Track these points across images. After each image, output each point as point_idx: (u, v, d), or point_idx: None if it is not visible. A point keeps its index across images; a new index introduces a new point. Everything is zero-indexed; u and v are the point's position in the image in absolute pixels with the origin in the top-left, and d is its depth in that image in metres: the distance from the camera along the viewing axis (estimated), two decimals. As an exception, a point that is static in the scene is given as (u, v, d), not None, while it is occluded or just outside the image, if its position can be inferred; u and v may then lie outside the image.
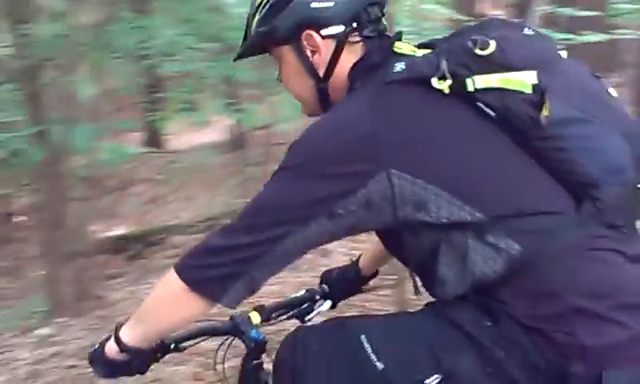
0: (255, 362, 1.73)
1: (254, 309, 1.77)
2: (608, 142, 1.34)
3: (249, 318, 1.74)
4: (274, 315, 1.85)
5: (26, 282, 6.36)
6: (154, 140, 10.18)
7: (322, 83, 1.54)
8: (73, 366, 4.11)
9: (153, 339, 1.60)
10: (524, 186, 1.36)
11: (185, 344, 1.76)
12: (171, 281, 1.46)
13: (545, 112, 1.31)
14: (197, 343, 1.77)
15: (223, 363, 1.82)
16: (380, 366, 1.37)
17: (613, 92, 1.46)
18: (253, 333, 1.71)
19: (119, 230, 6.58)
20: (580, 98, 1.37)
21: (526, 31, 1.46)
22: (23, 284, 6.30)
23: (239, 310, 1.61)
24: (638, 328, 1.27)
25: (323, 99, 1.56)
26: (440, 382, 1.33)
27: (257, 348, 1.72)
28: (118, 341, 1.56)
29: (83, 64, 5.36)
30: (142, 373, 1.65)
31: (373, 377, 1.38)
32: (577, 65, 1.46)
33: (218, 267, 1.40)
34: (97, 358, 1.62)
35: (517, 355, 1.30)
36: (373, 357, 1.39)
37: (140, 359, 1.60)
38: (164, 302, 1.53)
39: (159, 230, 6.15)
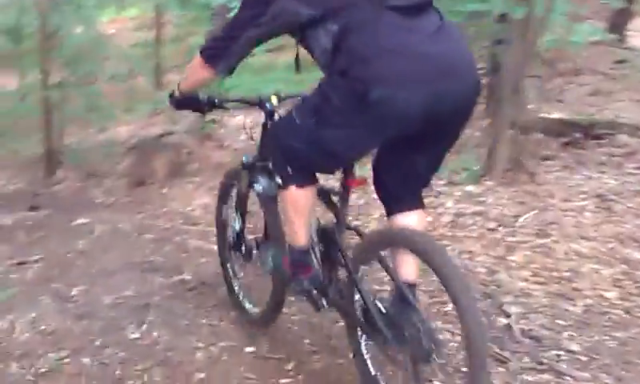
0: (269, 122, 2.80)
1: (274, 94, 2.83)
2: None
3: (270, 97, 2.81)
4: (284, 100, 2.85)
5: (464, 139, 6.65)
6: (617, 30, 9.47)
7: None
8: (492, 229, 4.22)
9: (191, 90, 2.72)
10: None
11: (226, 105, 2.93)
12: (197, 56, 2.52)
13: None
14: (235, 107, 3.16)
15: (251, 129, 3.13)
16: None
17: None
18: (269, 106, 2.80)
19: (561, 115, 6.37)
20: None
21: None
22: (461, 140, 6.61)
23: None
24: (401, 74, 2.08)
25: None
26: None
27: (271, 116, 2.80)
28: (180, 89, 2.74)
29: None
30: (202, 112, 2.89)
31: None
32: None
33: (214, 50, 2.46)
34: (171, 97, 2.78)
35: (339, 88, 2.18)
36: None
37: (195, 103, 2.80)
38: (193, 67, 2.60)
39: (605, 124, 5.78)
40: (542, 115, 5.64)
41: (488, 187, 4.91)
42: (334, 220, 2.64)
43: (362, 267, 2.52)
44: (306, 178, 2.44)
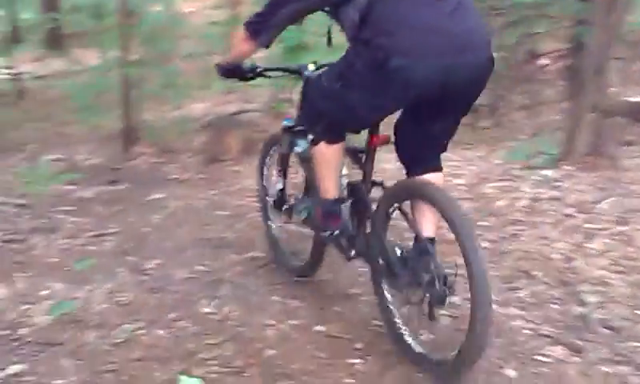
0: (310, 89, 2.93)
1: (312, 62, 3.04)
2: None
3: (307, 64, 3.03)
4: (321, 67, 2.94)
5: (542, 122, 6.49)
6: None
7: None
8: (569, 216, 4.10)
9: (238, 60, 2.89)
10: None
11: (268, 73, 3.08)
12: (242, 29, 2.70)
13: None
14: (276, 76, 3.27)
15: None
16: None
17: None
18: (307, 72, 3.00)
19: (644, 98, 6.12)
20: None
21: None
22: (538, 123, 6.45)
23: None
24: (419, 47, 2.31)
25: None
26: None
27: (310, 80, 2.94)
28: (226, 59, 2.93)
29: None
30: (246, 80, 3.01)
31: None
32: None
33: (257, 24, 2.64)
34: (218, 66, 2.95)
35: (362, 56, 2.40)
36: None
37: (239, 71, 2.95)
38: (237, 39, 2.79)
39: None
40: (625, 98, 5.43)
41: (566, 172, 4.77)
42: (361, 176, 2.91)
43: (385, 217, 2.78)
44: (333, 136, 2.74)
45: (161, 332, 2.93)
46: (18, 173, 5.21)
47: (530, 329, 3.01)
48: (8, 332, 2.77)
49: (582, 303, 3.18)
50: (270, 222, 3.69)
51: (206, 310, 3.17)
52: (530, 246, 3.80)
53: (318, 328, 3.05)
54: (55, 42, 13.44)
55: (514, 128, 6.39)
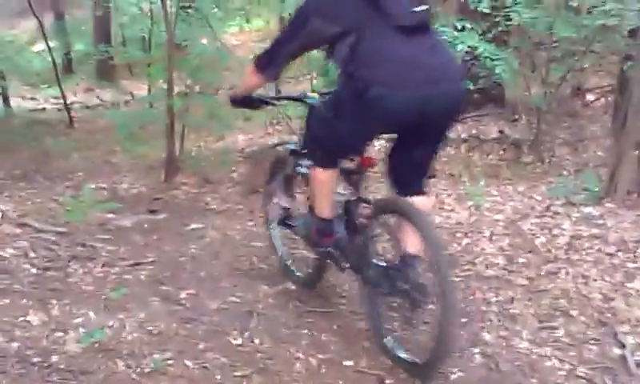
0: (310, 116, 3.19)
1: (313, 90, 3.31)
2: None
3: (308, 93, 3.25)
4: (324, 95, 3.15)
5: (585, 158, 6.37)
6: None
7: None
8: (610, 254, 4.01)
9: (248, 91, 3.19)
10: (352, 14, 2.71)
11: (275, 101, 3.38)
12: (250, 64, 3.04)
13: None
14: (281, 104, 3.70)
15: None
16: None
17: None
18: (309, 100, 3.17)
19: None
20: None
21: None
22: (581, 160, 6.34)
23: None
24: (396, 78, 2.62)
25: None
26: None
27: (312, 109, 3.15)
28: (237, 90, 3.26)
29: None
30: (255, 109, 3.32)
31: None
32: None
33: (264, 60, 2.95)
34: (230, 96, 3.29)
35: (347, 87, 2.74)
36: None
37: (248, 101, 3.22)
38: (247, 73, 3.07)
39: None
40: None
41: (608, 209, 4.67)
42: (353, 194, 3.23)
43: (372, 230, 3.12)
44: (328, 162, 2.97)
45: (189, 363, 2.93)
46: (62, 201, 5.32)
47: (566, 370, 2.95)
48: (40, 359, 2.81)
49: (621, 345, 3.10)
50: (273, 237, 4.04)
51: (236, 341, 3.16)
52: (569, 285, 3.73)
53: (347, 363, 3.03)
54: (106, 72, 13.81)
55: (557, 164, 6.29)
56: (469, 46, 5.83)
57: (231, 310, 3.50)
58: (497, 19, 6.08)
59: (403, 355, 2.96)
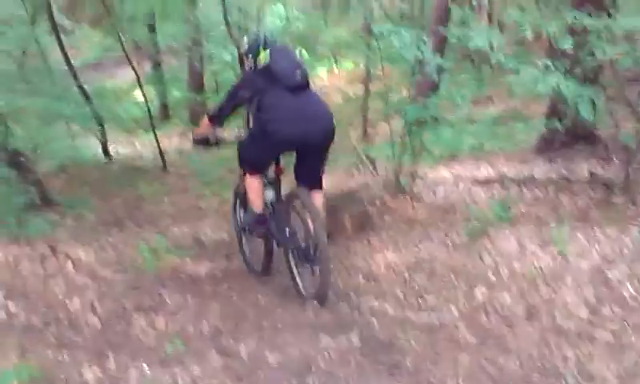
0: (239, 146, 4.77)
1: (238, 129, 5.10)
2: (291, 66, 4.26)
3: (236, 133, 4.94)
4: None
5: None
6: None
7: None
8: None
9: (204, 134, 4.81)
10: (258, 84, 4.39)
11: (221, 141, 4.85)
12: (205, 116, 4.74)
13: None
14: (228, 142, 4.82)
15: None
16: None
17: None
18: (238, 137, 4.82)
19: None
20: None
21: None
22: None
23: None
24: (285, 120, 4.20)
25: None
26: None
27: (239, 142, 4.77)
28: (195, 132, 5.10)
29: None
30: (210, 146, 5.12)
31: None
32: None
33: (214, 114, 4.61)
34: (193, 136, 5.18)
35: (256, 126, 4.45)
36: None
37: (204, 141, 4.86)
38: (202, 123, 4.74)
39: None
40: None
41: None
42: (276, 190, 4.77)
43: (285, 213, 4.62)
44: (252, 170, 4.54)
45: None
46: (140, 247, 5.43)
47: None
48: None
49: None
50: (240, 237, 5.32)
51: (291, 398, 3.08)
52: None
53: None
54: (199, 118, 14.20)
55: (651, 206, 5.88)
56: (554, 86, 5.59)
57: (290, 363, 3.42)
58: (582, 57, 5.80)
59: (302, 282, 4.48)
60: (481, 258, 5.18)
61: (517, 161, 8.65)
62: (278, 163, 4.65)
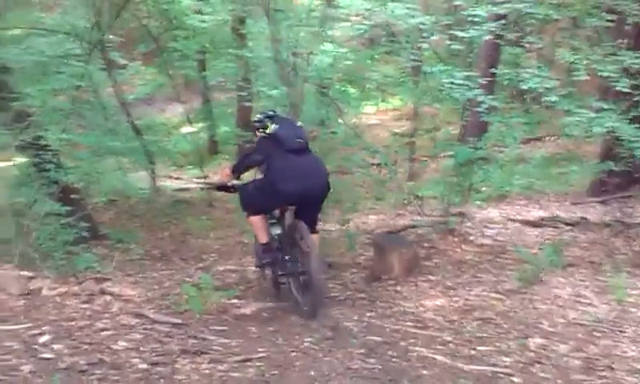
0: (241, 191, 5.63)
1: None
2: (292, 133, 5.18)
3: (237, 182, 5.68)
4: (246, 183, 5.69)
5: None
6: None
7: None
8: None
9: (223, 182, 5.62)
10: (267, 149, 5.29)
11: (233, 188, 5.58)
12: (226, 168, 5.72)
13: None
14: (235, 188, 5.57)
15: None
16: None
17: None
18: (237, 184, 5.61)
19: None
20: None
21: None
22: None
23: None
24: (287, 178, 5.00)
25: None
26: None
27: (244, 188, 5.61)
28: (216, 180, 6.79)
29: None
30: (229, 192, 5.70)
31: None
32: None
33: (234, 167, 5.48)
34: (215, 184, 6.75)
35: (263, 181, 5.34)
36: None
37: (226, 187, 5.60)
38: (223, 173, 5.66)
39: None
40: None
41: None
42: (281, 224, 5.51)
43: (287, 243, 5.33)
44: (255, 213, 5.33)
45: None
46: (184, 287, 5.40)
47: None
48: None
49: None
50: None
51: None
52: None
53: None
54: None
55: None
56: (609, 128, 5.45)
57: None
58: (637, 98, 5.65)
59: (302, 301, 5.08)
60: (534, 306, 5.02)
61: (569, 202, 8.46)
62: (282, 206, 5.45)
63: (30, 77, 10.08)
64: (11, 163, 8.29)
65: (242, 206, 5.46)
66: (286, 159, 4.97)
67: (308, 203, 5.15)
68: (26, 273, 4.73)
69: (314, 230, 5.21)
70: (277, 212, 5.47)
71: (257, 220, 5.30)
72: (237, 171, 5.43)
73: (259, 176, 5.38)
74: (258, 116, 5.58)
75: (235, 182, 5.52)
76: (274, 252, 5.36)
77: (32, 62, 10.37)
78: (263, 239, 5.34)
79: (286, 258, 5.26)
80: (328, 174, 5.26)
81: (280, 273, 5.38)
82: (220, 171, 5.95)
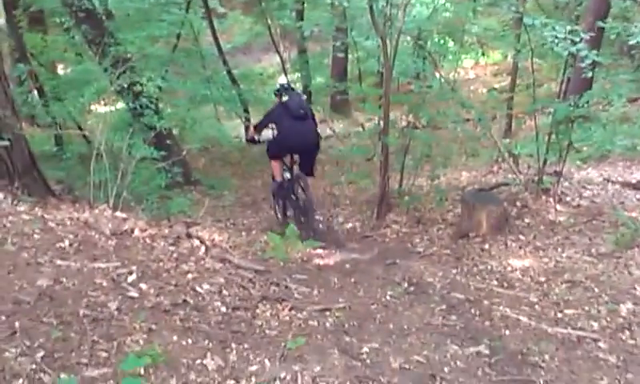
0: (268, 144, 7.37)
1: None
2: (298, 105, 6.77)
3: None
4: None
5: None
6: None
7: None
8: None
9: (252, 137, 7.41)
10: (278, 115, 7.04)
11: (259, 142, 7.40)
12: (252, 127, 7.55)
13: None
14: (262, 142, 7.37)
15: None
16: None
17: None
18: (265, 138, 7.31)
19: None
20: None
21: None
22: None
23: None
24: (291, 135, 6.75)
25: None
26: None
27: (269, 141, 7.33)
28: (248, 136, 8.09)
29: None
30: (255, 144, 7.58)
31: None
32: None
33: (256, 127, 7.33)
34: (245, 136, 8.70)
35: (276, 138, 7.08)
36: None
37: (254, 140, 7.39)
38: (251, 131, 7.44)
39: None
40: None
41: None
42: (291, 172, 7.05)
43: (293, 186, 6.92)
44: (273, 157, 6.98)
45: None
46: (270, 235, 5.47)
47: None
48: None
49: None
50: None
51: (409, 408, 2.94)
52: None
53: None
54: (341, 105, 14.28)
55: None
56: None
57: (413, 370, 3.28)
58: None
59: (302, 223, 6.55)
60: (629, 271, 4.78)
61: (676, 165, 7.98)
62: (292, 157, 7.00)
63: (131, 24, 10.37)
64: (112, 108, 8.58)
65: (267, 152, 7.03)
66: (292, 123, 6.58)
67: (305, 154, 6.80)
68: (119, 214, 4.88)
69: (310, 174, 6.92)
70: (288, 162, 7.06)
71: (275, 163, 7.00)
72: (260, 128, 7.11)
73: (275, 133, 6.85)
74: (279, 85, 7.05)
75: (260, 136, 7.16)
76: (285, 189, 7.00)
77: (134, 10, 10.67)
78: (278, 178, 7.05)
79: (292, 195, 6.92)
80: (320, 136, 7.01)
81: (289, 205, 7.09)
82: (250, 130, 7.40)
